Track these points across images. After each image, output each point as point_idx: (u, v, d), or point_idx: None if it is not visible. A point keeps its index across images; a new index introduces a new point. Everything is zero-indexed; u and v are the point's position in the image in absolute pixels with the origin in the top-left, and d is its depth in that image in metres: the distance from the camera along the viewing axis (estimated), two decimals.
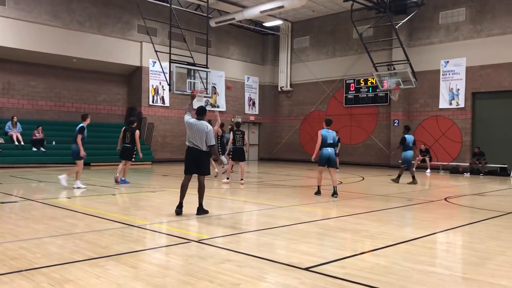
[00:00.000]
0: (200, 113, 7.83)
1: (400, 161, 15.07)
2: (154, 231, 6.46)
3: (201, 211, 7.73)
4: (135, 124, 13.15)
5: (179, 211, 7.64)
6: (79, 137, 11.25)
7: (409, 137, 14.39)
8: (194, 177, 7.87)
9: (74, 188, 11.09)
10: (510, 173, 18.88)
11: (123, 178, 12.60)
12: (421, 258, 5.01)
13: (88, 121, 11.91)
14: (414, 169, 14.84)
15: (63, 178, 11.46)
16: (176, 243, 5.61)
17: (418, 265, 4.70)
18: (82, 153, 11.24)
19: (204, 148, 7.63)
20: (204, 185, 7.86)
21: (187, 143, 7.73)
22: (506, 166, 19.14)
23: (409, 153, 14.30)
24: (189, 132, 7.66)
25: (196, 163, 7.64)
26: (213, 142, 7.69)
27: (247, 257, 4.91)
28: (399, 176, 14.59)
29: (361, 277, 4.23)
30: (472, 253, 5.41)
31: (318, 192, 10.75)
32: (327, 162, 10.58)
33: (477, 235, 6.49)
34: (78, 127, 11.52)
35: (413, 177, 14.19)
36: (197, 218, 7.41)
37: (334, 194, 10.53)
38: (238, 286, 3.92)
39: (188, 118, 7.82)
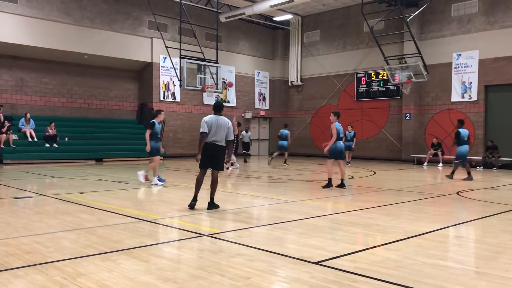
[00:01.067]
0: (218, 109, 7.85)
1: (454, 157, 14.45)
2: (165, 225, 6.51)
3: (212, 205, 7.78)
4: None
5: (193, 204, 7.73)
6: (148, 132, 10.92)
7: (464, 131, 13.73)
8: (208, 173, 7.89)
9: (152, 185, 10.94)
10: None
11: (158, 176, 11.79)
12: (433, 252, 4.98)
13: (160, 117, 11.34)
14: (468, 164, 14.00)
15: (141, 174, 11.43)
16: (188, 237, 5.64)
17: (429, 259, 4.67)
18: (148, 147, 10.98)
19: (224, 143, 7.72)
20: (217, 181, 7.92)
21: (204, 140, 7.65)
22: None
23: (465, 147, 13.67)
24: (213, 128, 7.61)
25: (214, 158, 7.72)
26: (232, 137, 7.85)
27: (258, 251, 4.93)
28: (453, 172, 13.97)
29: (371, 271, 4.22)
30: (485, 247, 5.37)
31: (329, 185, 10.76)
32: (340, 155, 10.77)
33: (490, 229, 6.44)
34: (150, 124, 11.15)
35: (469, 173, 13.64)
36: (208, 213, 7.44)
37: (343, 185, 10.70)
38: (249, 280, 3.93)
39: (208, 118, 7.72)
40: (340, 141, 10.74)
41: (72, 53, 20.34)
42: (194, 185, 7.88)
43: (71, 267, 4.25)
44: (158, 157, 11.30)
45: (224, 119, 7.74)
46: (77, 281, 3.83)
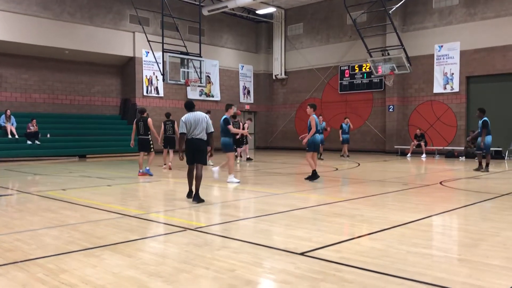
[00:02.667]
0: (190, 107, 8.07)
1: (475, 148, 13.98)
2: (150, 220, 6.46)
3: (197, 198, 7.77)
4: (146, 113, 12.47)
5: (190, 193, 8.02)
6: (230, 128, 10.66)
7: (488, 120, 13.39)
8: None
9: (227, 182, 10.54)
10: (505, 156, 18.96)
11: (147, 168, 12.23)
12: (416, 241, 5.03)
13: (231, 111, 11.06)
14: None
15: (215, 170, 11.28)
16: (172, 232, 5.61)
17: (413, 248, 4.72)
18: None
19: (204, 137, 7.89)
20: (202, 175, 7.97)
21: (184, 139, 7.94)
22: (500, 149, 19.21)
23: (490, 137, 13.38)
24: (192, 125, 7.81)
25: (196, 152, 7.86)
26: (212, 129, 8.03)
27: (243, 244, 4.92)
28: (487, 164, 13.47)
29: (356, 261, 4.25)
30: (467, 235, 5.44)
31: (315, 176, 10.71)
32: (318, 148, 10.91)
33: (472, 217, 6.53)
34: (222, 120, 10.72)
35: (480, 163, 13.56)
36: (194, 207, 7.41)
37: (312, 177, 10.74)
38: (234, 272, 3.93)
39: (184, 117, 7.92)
40: (318, 134, 10.78)
41: (52, 48, 20.01)
42: (181, 180, 7.83)
43: (54, 263, 4.19)
44: (232, 154, 10.99)
45: (201, 114, 7.94)
46: (59, 278, 3.78)
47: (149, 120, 12.08)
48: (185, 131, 7.82)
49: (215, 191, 9.55)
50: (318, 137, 10.74)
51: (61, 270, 3.99)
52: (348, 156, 19.78)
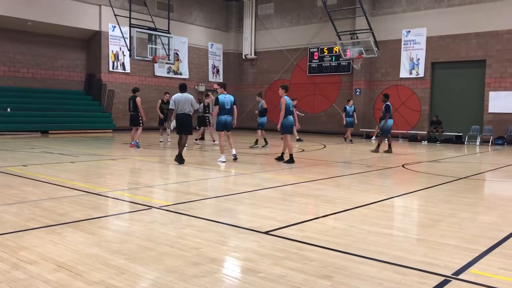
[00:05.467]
0: (182, 88, 10.27)
1: (380, 131, 14.73)
2: (114, 198, 6.38)
3: (180, 158, 9.97)
4: (137, 92, 13.87)
5: (179, 159, 10.04)
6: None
7: (390, 105, 14.02)
8: None
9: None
10: (465, 141, 19.61)
11: (137, 141, 13.69)
12: (378, 221, 5.18)
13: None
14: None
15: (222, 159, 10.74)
16: (137, 210, 5.57)
17: (374, 228, 4.86)
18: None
19: (190, 112, 10.14)
20: (186, 142, 10.40)
21: (174, 113, 10.12)
22: (461, 134, 19.86)
23: (391, 121, 14.05)
24: (180, 103, 10.04)
25: (184, 124, 10.12)
26: (196, 107, 10.34)
27: (208, 222, 4.94)
28: (378, 145, 14.17)
29: (319, 240, 4.34)
30: (426, 216, 5.64)
31: (291, 160, 10.55)
32: (291, 130, 10.75)
33: (431, 199, 6.75)
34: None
35: (389, 145, 14.11)
36: (158, 186, 7.36)
37: (281, 159, 10.87)
38: (198, 250, 3.94)
39: (175, 96, 10.18)
40: (290, 116, 10.55)
41: (14, 19, 19.17)
42: (147, 158, 7.74)
43: (13, 240, 4.10)
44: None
45: (187, 95, 10.17)
46: (18, 255, 3.70)
47: (138, 99, 13.58)
48: (174, 107, 10.01)
49: (182, 170, 9.50)
50: (290, 119, 10.52)
51: (20, 247, 3.90)
52: (351, 141, 18.43)
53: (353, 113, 18.33)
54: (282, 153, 10.99)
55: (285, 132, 10.68)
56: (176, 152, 10.36)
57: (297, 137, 18.21)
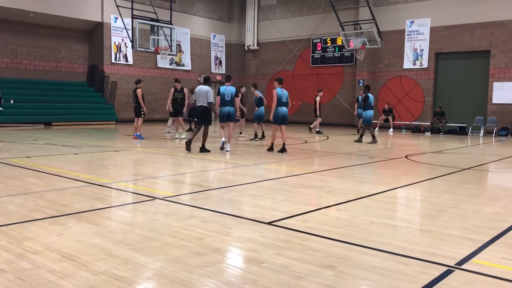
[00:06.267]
0: (204, 81, 10.82)
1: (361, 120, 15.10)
2: (117, 189, 6.41)
3: (204, 149, 10.46)
4: (139, 84, 13.93)
5: (202, 150, 10.57)
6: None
7: (371, 96, 14.41)
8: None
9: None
10: (468, 132, 19.55)
11: (138, 133, 13.87)
12: (381, 212, 5.18)
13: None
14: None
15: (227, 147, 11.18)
16: (140, 201, 5.59)
17: (377, 219, 4.86)
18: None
19: (206, 104, 10.41)
20: (208, 132, 10.76)
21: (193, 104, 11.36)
22: (464, 125, 19.78)
23: (371, 112, 14.27)
24: (197, 96, 10.51)
25: (201, 116, 10.57)
26: (211, 100, 10.47)
27: (211, 213, 4.96)
28: (361, 136, 14.63)
29: (321, 230, 4.35)
30: (429, 207, 5.64)
31: (271, 149, 11.02)
32: (283, 121, 10.89)
33: (434, 190, 6.75)
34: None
35: (373, 137, 14.25)
36: (161, 177, 7.38)
37: (284, 151, 10.84)
38: (202, 240, 3.96)
39: (196, 88, 10.79)
40: (283, 107, 10.78)
41: (16, 10, 19.11)
42: (150, 149, 7.76)
43: (18, 231, 4.13)
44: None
45: (204, 87, 10.52)
46: (23, 245, 3.73)
47: (138, 90, 13.72)
48: (194, 99, 10.74)
49: (185, 161, 9.52)
50: (281, 110, 10.77)
51: (25, 238, 3.93)
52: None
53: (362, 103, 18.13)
54: (283, 144, 11.00)
55: (274, 122, 11.01)
56: (183, 145, 10.60)
57: (317, 129, 18.19)
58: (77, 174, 7.33)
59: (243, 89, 15.80)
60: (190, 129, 16.29)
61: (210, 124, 10.78)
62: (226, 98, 10.87)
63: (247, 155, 10.56)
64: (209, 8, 27.35)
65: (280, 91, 10.76)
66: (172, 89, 15.09)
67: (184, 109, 14.90)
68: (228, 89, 10.91)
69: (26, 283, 2.98)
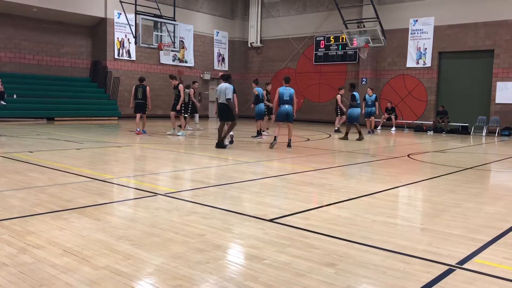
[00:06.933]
0: (223, 78, 11.15)
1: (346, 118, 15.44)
2: (119, 185, 6.42)
3: (220, 144, 10.88)
4: (144, 81, 14.33)
5: (218, 145, 10.86)
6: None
7: (357, 94, 14.85)
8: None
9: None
10: (471, 131, 19.51)
11: (143, 130, 14.26)
12: (382, 210, 5.18)
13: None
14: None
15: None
16: (142, 197, 5.60)
17: (378, 217, 4.86)
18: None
19: (225, 102, 10.77)
20: (231, 128, 11.05)
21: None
22: (467, 124, 19.74)
23: (357, 110, 14.79)
24: (218, 93, 10.97)
25: (221, 113, 11.00)
26: (228, 96, 10.74)
27: (213, 209, 4.96)
28: (347, 133, 14.90)
29: (323, 228, 4.35)
30: (430, 206, 5.63)
31: (273, 141, 11.58)
32: (285, 118, 11.48)
33: (436, 189, 6.74)
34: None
35: (360, 133, 14.63)
36: (163, 173, 7.38)
37: (289, 146, 11.48)
38: (203, 237, 3.97)
39: (218, 86, 11.11)
40: (285, 105, 11.35)
41: (19, 5, 19.13)
42: (152, 145, 7.76)
43: (20, 225, 4.14)
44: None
45: (224, 85, 10.85)
46: (25, 239, 3.74)
47: (148, 88, 14.13)
48: (216, 96, 11.04)
49: (186, 158, 9.53)
50: (283, 108, 11.39)
51: (28, 232, 3.94)
52: (371, 132, 17.67)
53: (373, 103, 17.88)
54: (289, 140, 11.69)
55: (276, 120, 12.04)
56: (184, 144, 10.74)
57: (336, 128, 18.24)
58: (79, 169, 7.35)
59: (269, 87, 15.81)
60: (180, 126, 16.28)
61: (233, 120, 11.04)
62: (285, 98, 11.41)
63: (248, 152, 10.56)
64: (213, 5, 27.32)
65: (283, 89, 11.36)
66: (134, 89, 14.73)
67: (178, 106, 14.60)
68: (287, 90, 11.43)
69: (28, 277, 2.99)
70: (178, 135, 14.00)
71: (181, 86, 14.78)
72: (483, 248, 3.91)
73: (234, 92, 11.21)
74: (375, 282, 3.12)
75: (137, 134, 13.89)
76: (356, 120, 14.60)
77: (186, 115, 15.80)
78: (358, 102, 14.69)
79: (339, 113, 18.24)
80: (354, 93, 14.72)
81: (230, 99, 10.75)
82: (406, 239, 4.12)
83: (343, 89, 18.07)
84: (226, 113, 10.94)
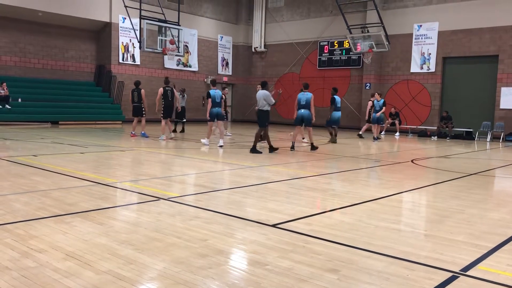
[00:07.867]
0: (262, 85, 11.62)
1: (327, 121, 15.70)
2: (123, 189, 6.42)
3: (254, 150, 11.13)
4: (140, 85, 14.72)
5: (253, 151, 11.11)
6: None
7: (338, 98, 15.31)
8: None
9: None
10: (475, 137, 19.44)
11: (143, 132, 14.61)
12: (385, 216, 5.16)
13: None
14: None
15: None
16: (145, 201, 5.60)
17: (381, 223, 4.84)
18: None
19: (262, 108, 11.30)
20: (259, 134, 11.46)
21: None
22: (471, 130, 19.67)
23: (339, 113, 15.32)
24: (257, 100, 11.46)
25: (258, 118, 11.53)
26: (270, 101, 11.27)
27: (216, 214, 4.96)
28: (335, 135, 15.52)
29: (326, 233, 4.34)
30: (434, 212, 5.61)
31: (292, 147, 12.19)
32: (301, 122, 12.16)
33: (440, 194, 6.72)
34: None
35: (335, 135, 15.42)
36: (166, 178, 7.39)
37: (313, 149, 12.19)
38: (205, 242, 3.96)
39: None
40: (301, 109, 11.94)
41: (24, 9, 19.26)
42: (152, 149, 7.77)
43: (23, 229, 4.15)
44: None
45: (261, 92, 11.36)
46: (28, 243, 3.75)
47: (143, 91, 14.39)
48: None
49: (190, 162, 9.53)
50: (298, 112, 12.00)
51: (30, 236, 3.95)
52: (376, 138, 16.92)
53: (381, 108, 17.12)
54: (312, 144, 12.36)
55: (295, 124, 12.53)
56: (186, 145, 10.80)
57: (359, 133, 18.49)
58: (83, 173, 7.36)
59: (226, 90, 16.32)
60: (174, 130, 16.20)
61: (262, 126, 11.44)
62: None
63: (252, 156, 10.56)
64: (217, 10, 27.41)
65: (300, 95, 12.05)
66: (130, 93, 14.82)
67: (156, 109, 14.80)
68: (304, 95, 11.97)
69: (31, 282, 2.99)
70: (161, 140, 13.74)
71: (175, 91, 14.81)
72: (487, 255, 3.89)
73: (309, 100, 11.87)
74: None
75: (132, 136, 14.24)
76: (336, 123, 15.32)
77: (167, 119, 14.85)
78: (338, 105, 15.21)
79: (366, 120, 18.40)
80: (335, 96, 15.20)
81: (274, 103, 11.55)
82: (410, 245, 4.10)
83: (375, 95, 17.49)
84: (258, 119, 11.54)
